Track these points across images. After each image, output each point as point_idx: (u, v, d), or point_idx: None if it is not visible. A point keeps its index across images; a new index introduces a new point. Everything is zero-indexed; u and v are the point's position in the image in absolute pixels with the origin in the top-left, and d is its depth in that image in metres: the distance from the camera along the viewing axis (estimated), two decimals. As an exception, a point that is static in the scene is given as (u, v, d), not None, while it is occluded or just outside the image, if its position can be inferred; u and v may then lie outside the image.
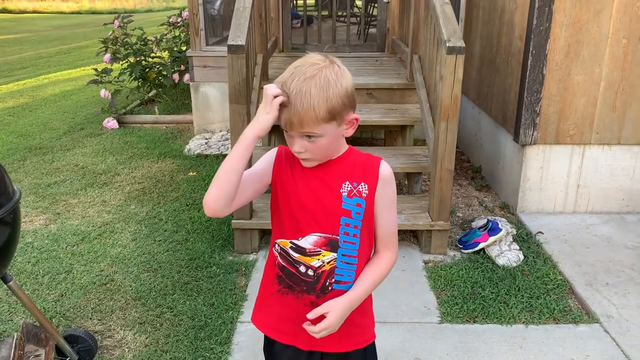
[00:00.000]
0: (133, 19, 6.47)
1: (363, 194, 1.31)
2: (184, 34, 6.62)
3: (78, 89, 7.98)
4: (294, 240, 1.34)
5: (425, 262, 3.07)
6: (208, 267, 2.99)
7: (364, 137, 5.05)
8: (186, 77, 5.66)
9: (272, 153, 1.38)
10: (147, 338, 2.43)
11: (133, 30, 6.29)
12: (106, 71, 5.90)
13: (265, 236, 3.28)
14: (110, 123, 5.69)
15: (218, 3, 5.35)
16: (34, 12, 29.18)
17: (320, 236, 1.31)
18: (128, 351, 2.35)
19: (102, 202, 3.88)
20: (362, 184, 1.31)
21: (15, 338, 2.14)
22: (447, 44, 2.78)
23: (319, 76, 1.19)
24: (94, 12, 26.32)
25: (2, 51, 15.89)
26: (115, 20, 6.16)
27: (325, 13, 5.81)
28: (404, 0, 4.50)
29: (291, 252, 1.34)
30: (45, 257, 3.11)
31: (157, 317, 2.57)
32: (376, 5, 5.43)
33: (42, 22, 24.62)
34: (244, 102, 2.91)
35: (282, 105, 1.19)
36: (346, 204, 1.30)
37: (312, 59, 1.22)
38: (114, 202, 3.88)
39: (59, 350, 2.21)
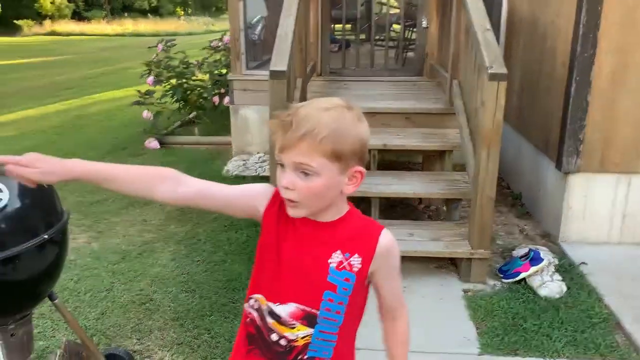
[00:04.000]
0: (176, 42, 6.66)
1: (354, 268, 1.14)
2: (225, 57, 6.77)
3: (121, 110, 8.22)
4: (270, 304, 1.18)
5: (465, 291, 3.01)
6: (245, 289, 2.99)
7: (401, 160, 5.03)
8: (226, 99, 5.77)
9: (268, 190, 1.20)
10: (184, 359, 2.44)
11: (175, 53, 6.47)
12: (149, 93, 6.07)
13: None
14: (152, 143, 5.83)
15: (259, 28, 5.46)
16: (81, 34, 30.34)
17: (299, 307, 1.16)
18: (163, 372, 2.37)
19: (142, 222, 3.96)
20: (356, 256, 1.15)
21: (57, 355, 2.19)
22: (489, 71, 2.77)
23: (336, 111, 1.08)
24: (137, 35, 27.17)
25: (50, 72, 16.51)
26: (159, 44, 6.35)
27: (363, 37, 5.85)
28: (443, 25, 4.50)
29: (266, 315, 1.18)
30: (87, 275, 3.18)
31: (194, 339, 2.59)
32: (414, 29, 5.46)
33: (88, 44, 25.57)
34: (284, 126, 2.94)
35: (281, 129, 1.06)
36: (333, 277, 1.14)
37: (335, 99, 1.12)
38: (154, 222, 3.95)
39: (99, 369, 2.25)
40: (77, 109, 8.71)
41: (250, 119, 5.35)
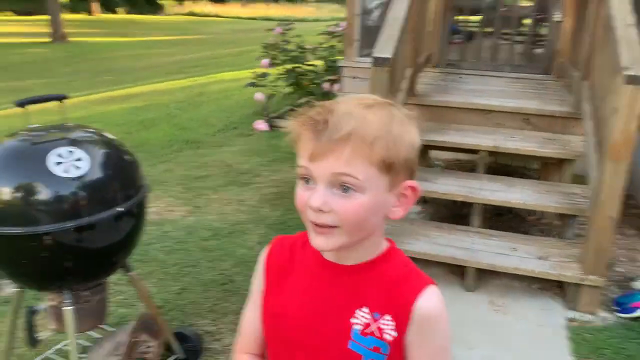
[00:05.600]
0: (295, 26, 6.66)
1: (386, 335, 0.84)
2: (340, 43, 6.67)
3: (239, 90, 8.45)
4: None
5: (569, 320, 2.65)
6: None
7: (514, 165, 4.62)
8: (336, 86, 5.68)
9: (262, 257, 0.98)
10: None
11: (293, 37, 6.49)
12: (263, 75, 6.14)
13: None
14: (261, 125, 5.90)
15: (376, 14, 5.28)
16: (216, 15, 31.99)
17: None
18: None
19: (238, 201, 3.99)
20: (387, 317, 0.84)
21: (133, 326, 2.22)
22: (626, 72, 2.37)
23: (382, 108, 0.83)
24: (266, 19, 28.10)
25: (183, 50, 17.55)
26: (277, 27, 6.39)
27: (489, 30, 5.45)
28: (580, 20, 4.02)
29: None
30: (177, 248, 3.25)
31: (267, 328, 2.52)
32: (546, 24, 4.97)
33: (220, 25, 26.90)
34: (383, 117, 2.76)
35: (311, 131, 0.80)
36: (356, 345, 0.84)
37: (371, 95, 0.89)
38: (249, 202, 3.96)
39: (169, 346, 2.25)
40: (200, 86, 9.11)
41: (357, 107, 5.20)
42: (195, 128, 6.13)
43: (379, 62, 2.69)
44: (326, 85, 6.07)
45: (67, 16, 23.14)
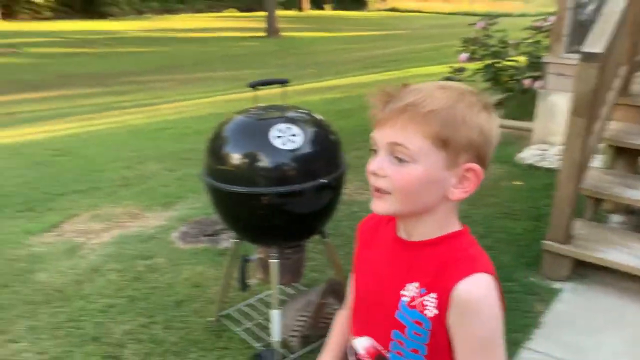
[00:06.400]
0: (498, 21, 6.49)
1: (427, 312, 0.87)
2: (547, 39, 6.32)
3: (434, 84, 8.51)
4: (351, 337, 1.03)
5: None
6: (507, 282, 2.85)
7: None
8: (537, 83, 5.42)
9: (357, 227, 1.09)
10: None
11: (496, 32, 6.33)
12: (460, 70, 6.12)
13: (580, 267, 2.93)
14: (453, 120, 5.90)
15: (590, 8, 4.91)
16: (417, 11, 32.13)
17: (371, 344, 0.97)
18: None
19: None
20: (432, 295, 0.87)
21: (323, 288, 2.48)
22: None
23: (456, 92, 0.85)
24: (468, 14, 27.38)
25: (383, 45, 18.06)
26: (479, 22, 6.29)
27: None
28: None
29: (349, 353, 1.05)
30: (364, 228, 3.48)
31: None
32: None
33: (421, 21, 26.98)
34: (586, 115, 2.64)
35: (382, 102, 0.87)
36: (402, 315, 0.90)
37: (464, 86, 0.90)
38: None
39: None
40: (396, 80, 9.34)
41: (558, 106, 4.91)
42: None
43: (587, 57, 2.56)
44: (527, 82, 5.82)
45: (281, 12, 25.28)
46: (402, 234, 0.94)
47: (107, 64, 17.21)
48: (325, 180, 2.03)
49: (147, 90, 12.31)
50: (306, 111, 2.22)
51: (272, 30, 22.36)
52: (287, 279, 2.31)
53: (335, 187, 2.13)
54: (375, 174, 0.88)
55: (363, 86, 9.07)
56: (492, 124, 0.87)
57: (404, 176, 0.85)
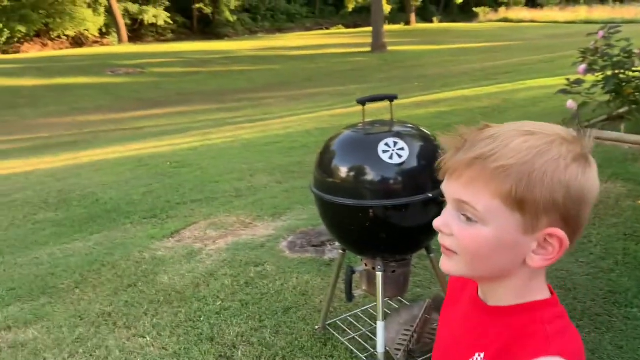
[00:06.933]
0: (621, 29, 6.08)
1: None
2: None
3: (548, 98, 8.09)
4: None
5: None
6: (628, 307, 2.66)
7: None
8: (667, 95, 5.00)
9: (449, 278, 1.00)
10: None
11: (619, 41, 5.92)
12: (578, 82, 5.79)
13: None
14: (569, 134, 5.59)
15: None
16: (531, 21, 30.82)
17: None
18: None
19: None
20: None
21: (426, 303, 2.48)
22: None
23: (543, 139, 0.73)
24: (587, 22, 25.80)
25: (493, 56, 17.52)
26: (600, 31, 5.93)
27: None
28: None
29: None
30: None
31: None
32: None
33: (535, 31, 25.85)
34: None
35: (453, 148, 0.77)
36: None
37: (556, 127, 0.78)
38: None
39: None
40: (506, 93, 9.04)
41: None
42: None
43: None
44: (654, 94, 5.39)
45: (387, 27, 25.40)
46: (481, 295, 0.85)
47: (222, 81, 18.31)
48: (431, 195, 2.03)
49: (259, 106, 12.92)
50: (413, 125, 2.24)
51: (378, 45, 22.52)
52: (391, 292, 2.34)
53: (441, 202, 2.12)
54: (440, 231, 0.80)
55: (472, 99, 8.87)
56: (586, 180, 0.74)
57: (470, 236, 0.75)
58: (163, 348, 2.54)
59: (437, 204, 2.10)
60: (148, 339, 2.62)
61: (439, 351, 0.94)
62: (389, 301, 2.64)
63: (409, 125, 2.25)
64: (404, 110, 8.26)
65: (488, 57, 17.61)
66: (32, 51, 27.59)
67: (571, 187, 0.72)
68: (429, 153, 2.13)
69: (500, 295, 0.80)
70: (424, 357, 2.28)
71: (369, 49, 22.56)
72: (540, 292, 0.80)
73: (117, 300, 3.00)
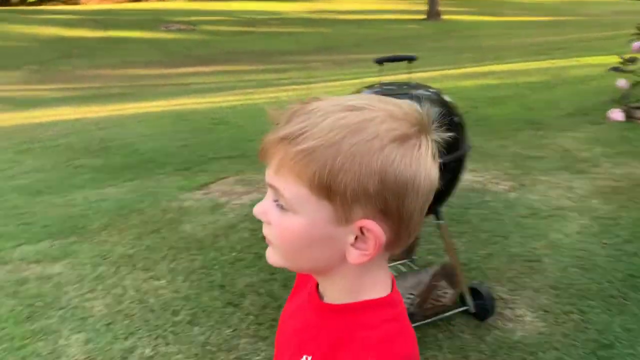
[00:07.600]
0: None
1: None
2: None
3: (600, 75, 7.73)
4: None
5: None
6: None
7: None
8: None
9: None
10: (545, 327, 2.36)
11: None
12: (631, 60, 5.51)
13: None
14: (616, 114, 5.35)
15: None
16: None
17: None
18: (520, 330, 2.36)
19: (567, 187, 3.81)
20: None
21: (435, 270, 2.48)
22: None
23: (365, 114, 0.63)
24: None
25: (553, 31, 16.80)
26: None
27: None
28: None
29: None
30: (492, 218, 3.36)
31: (564, 314, 2.45)
32: None
33: (602, 7, 24.56)
34: None
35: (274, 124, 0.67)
36: None
37: (397, 101, 0.67)
38: (579, 191, 3.74)
39: (462, 297, 2.43)
40: (559, 69, 8.67)
41: None
42: (542, 109, 5.98)
43: None
44: None
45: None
46: (321, 289, 0.75)
47: (271, 42, 18.30)
48: (441, 160, 2.01)
49: (305, 69, 12.87)
50: (434, 90, 2.21)
51: (433, 13, 21.91)
52: (399, 255, 2.35)
53: (453, 169, 2.10)
54: (256, 215, 0.70)
55: (522, 73, 8.58)
56: (407, 165, 0.63)
57: (283, 227, 0.67)
58: (176, 291, 2.65)
59: (449, 170, 2.10)
60: (163, 282, 2.73)
61: (276, 345, 0.84)
62: (399, 265, 2.66)
63: (431, 89, 2.22)
64: (451, 80, 8.07)
65: (546, 31, 16.88)
66: (91, 3, 28.22)
67: (387, 173, 0.62)
68: (445, 119, 2.10)
69: (332, 292, 0.72)
70: (421, 323, 2.30)
71: (423, 16, 21.98)
72: (374, 290, 0.70)
73: (139, 244, 3.14)
